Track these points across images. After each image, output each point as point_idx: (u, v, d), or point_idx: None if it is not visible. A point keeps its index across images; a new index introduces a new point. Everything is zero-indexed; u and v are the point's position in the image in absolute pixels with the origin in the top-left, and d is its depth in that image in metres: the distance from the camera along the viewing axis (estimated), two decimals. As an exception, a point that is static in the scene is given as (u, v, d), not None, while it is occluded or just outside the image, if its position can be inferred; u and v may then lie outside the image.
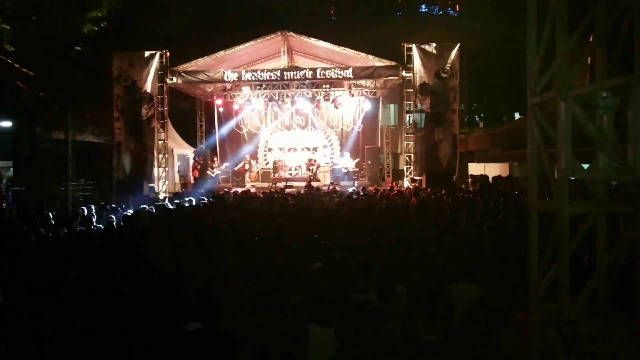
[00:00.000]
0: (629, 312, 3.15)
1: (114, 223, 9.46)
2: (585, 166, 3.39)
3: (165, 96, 18.72)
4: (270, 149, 23.28)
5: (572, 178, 3.16)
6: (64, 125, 14.49)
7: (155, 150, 18.67)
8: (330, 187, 17.75)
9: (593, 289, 3.22)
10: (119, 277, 5.49)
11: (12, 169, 21.06)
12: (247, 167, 21.88)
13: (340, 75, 18.54)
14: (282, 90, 21.51)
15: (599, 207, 3.24)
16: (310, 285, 5.09)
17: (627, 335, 3.03)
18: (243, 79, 18.84)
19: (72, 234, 8.77)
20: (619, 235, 3.27)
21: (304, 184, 18.67)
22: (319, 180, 20.49)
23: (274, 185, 19.55)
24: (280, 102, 21.82)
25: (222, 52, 18.80)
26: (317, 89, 21.14)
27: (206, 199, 13.36)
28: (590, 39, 3.25)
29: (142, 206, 11.62)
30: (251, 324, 3.92)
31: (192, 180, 21.46)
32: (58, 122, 18.12)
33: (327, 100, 20.94)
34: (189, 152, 22.92)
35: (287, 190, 17.34)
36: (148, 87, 18.40)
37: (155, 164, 18.71)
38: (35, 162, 19.10)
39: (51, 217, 10.80)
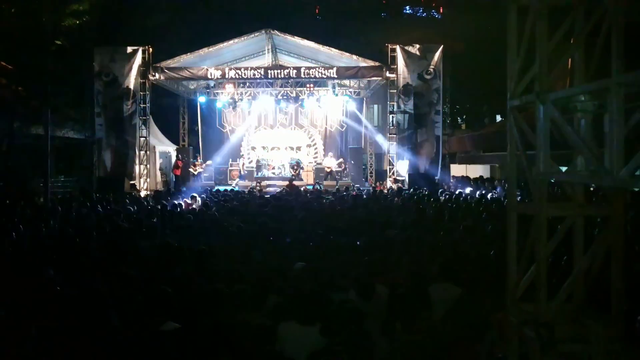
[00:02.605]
0: (605, 313, 3.20)
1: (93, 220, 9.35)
2: (564, 168, 3.43)
3: (147, 92, 18.51)
4: (253, 148, 23.20)
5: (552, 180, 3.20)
6: (43, 120, 14.27)
7: (136, 147, 18.43)
8: (315, 187, 17.73)
9: (570, 290, 3.26)
10: (97, 275, 5.42)
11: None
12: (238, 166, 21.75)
13: (324, 74, 18.53)
14: (266, 89, 21.45)
15: (576, 209, 3.28)
16: (291, 284, 5.08)
17: (603, 336, 3.08)
18: (227, 76, 18.73)
19: (51, 231, 8.63)
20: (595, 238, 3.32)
21: (286, 182, 18.65)
22: (301, 180, 20.47)
23: (257, 184, 19.48)
24: (263, 100, 21.76)
25: (205, 49, 18.66)
26: (301, 88, 21.12)
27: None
28: (570, 43, 3.29)
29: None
30: (230, 324, 3.89)
31: (173, 178, 21.28)
32: (37, 117, 17.81)
33: (311, 99, 20.93)
34: (171, 149, 22.74)
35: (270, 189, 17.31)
36: (130, 83, 18.16)
37: (137, 161, 18.48)
38: (14, 157, 18.76)
39: (30, 213, 10.62)
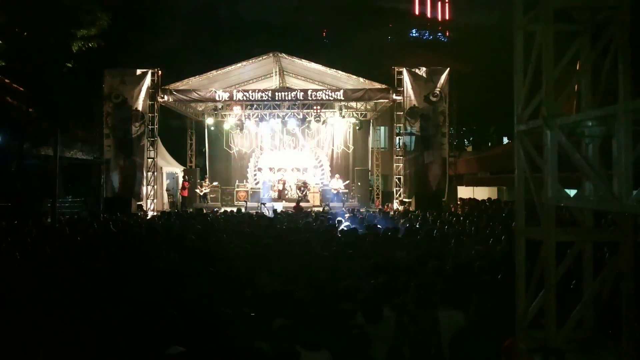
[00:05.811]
0: (616, 340, 3.15)
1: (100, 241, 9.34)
2: (572, 192, 3.41)
3: (156, 114, 18.69)
4: (260, 169, 23.28)
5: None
6: (53, 141, 14.41)
7: (144, 168, 18.55)
8: (326, 209, 17.66)
9: (580, 316, 3.21)
10: (103, 297, 5.39)
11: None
12: (280, 187, 21.74)
13: (331, 97, 18.66)
14: (273, 111, 21.60)
15: (585, 234, 3.25)
16: (297, 307, 5.03)
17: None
18: (234, 98, 18.89)
19: (58, 252, 8.63)
20: (605, 263, 3.28)
21: (293, 204, 18.64)
22: (308, 201, 20.46)
23: (262, 205, 19.48)
24: (270, 122, 21.90)
25: (214, 72, 18.88)
26: (308, 110, 21.25)
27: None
28: (577, 68, 3.30)
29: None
30: (235, 348, 3.85)
31: (180, 199, 21.36)
32: (47, 138, 18.01)
33: (318, 121, 21.04)
34: (179, 170, 22.85)
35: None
36: (139, 104, 18.36)
37: (144, 182, 18.58)
38: (23, 177, 18.90)
39: (37, 233, 10.64)
